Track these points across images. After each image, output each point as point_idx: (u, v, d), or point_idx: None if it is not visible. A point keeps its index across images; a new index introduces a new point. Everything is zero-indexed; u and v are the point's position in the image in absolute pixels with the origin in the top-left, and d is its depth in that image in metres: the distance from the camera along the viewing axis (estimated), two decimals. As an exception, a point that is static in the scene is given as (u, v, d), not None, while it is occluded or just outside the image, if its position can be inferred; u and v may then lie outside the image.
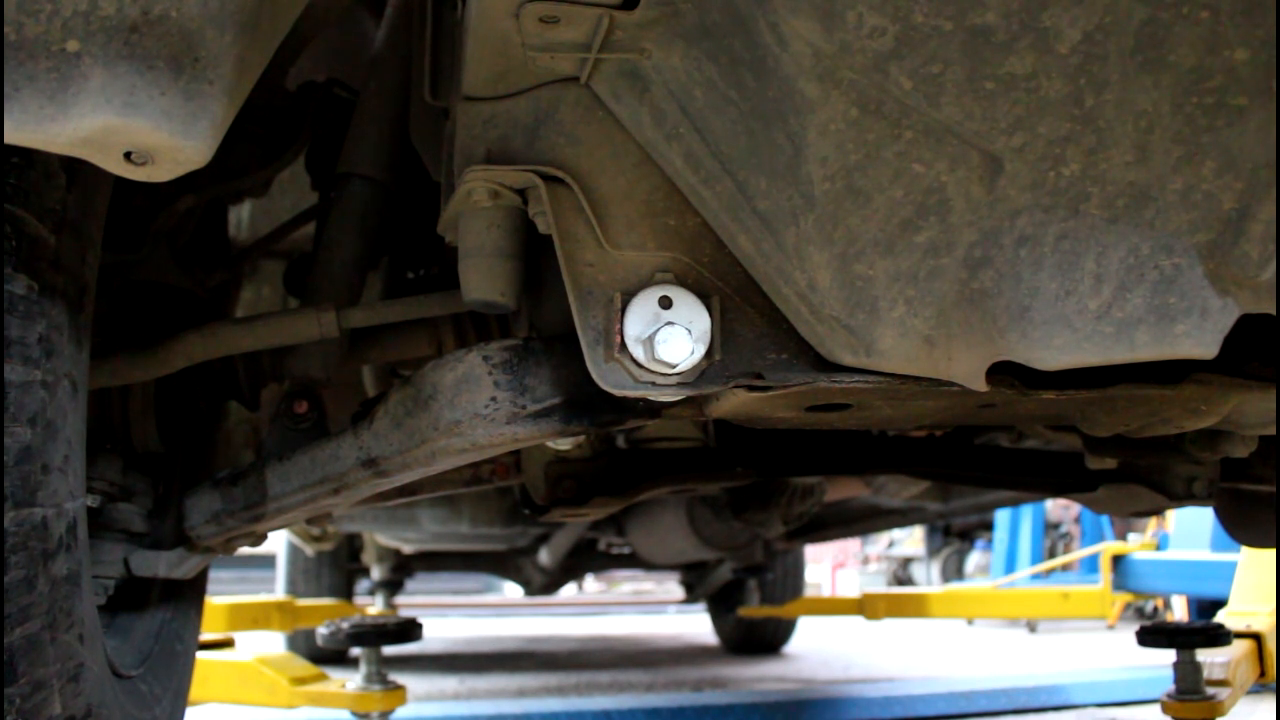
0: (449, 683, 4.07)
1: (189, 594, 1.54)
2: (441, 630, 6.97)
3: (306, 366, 1.37)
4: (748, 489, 2.69)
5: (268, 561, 4.95)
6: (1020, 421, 1.49)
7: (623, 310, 0.94)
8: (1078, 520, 8.73)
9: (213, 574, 1.75)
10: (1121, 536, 7.80)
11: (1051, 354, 0.90)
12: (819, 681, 4.04)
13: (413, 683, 3.73)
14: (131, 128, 0.77)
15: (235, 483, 1.27)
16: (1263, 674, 2.68)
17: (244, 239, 2.10)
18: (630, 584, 11.43)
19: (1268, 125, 0.83)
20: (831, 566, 14.02)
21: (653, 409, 1.10)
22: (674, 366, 0.93)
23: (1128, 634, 4.81)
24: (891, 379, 0.96)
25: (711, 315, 0.96)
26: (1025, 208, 0.87)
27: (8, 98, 0.74)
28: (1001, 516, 8.02)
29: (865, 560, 12.89)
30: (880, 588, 9.88)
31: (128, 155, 0.79)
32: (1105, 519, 8.16)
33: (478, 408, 1.06)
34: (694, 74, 0.89)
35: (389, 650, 2.52)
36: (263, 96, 1.42)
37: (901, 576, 10.89)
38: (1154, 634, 2.43)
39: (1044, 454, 2.04)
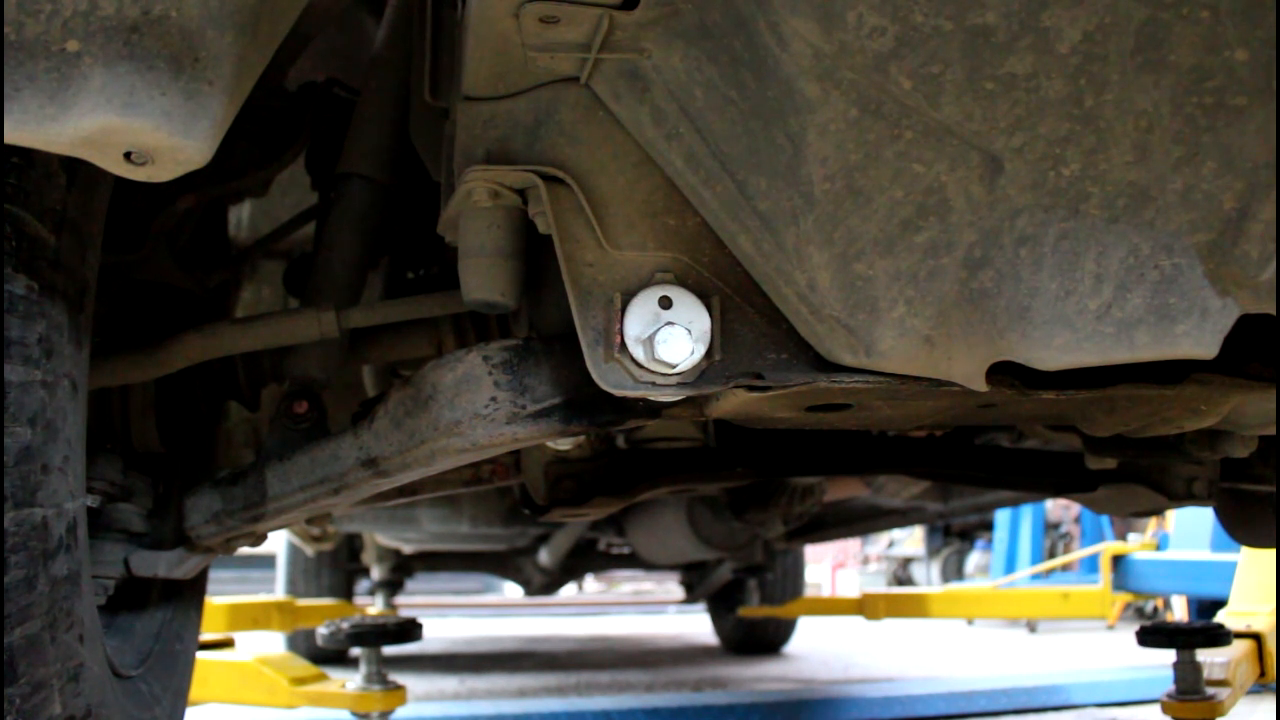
0: (449, 683, 4.07)
1: (189, 594, 1.54)
2: (441, 630, 6.97)
3: (306, 366, 1.37)
4: (748, 489, 2.69)
5: (268, 561, 4.95)
6: (1020, 421, 1.49)
7: (623, 310, 0.94)
8: (1078, 520, 8.72)
9: (213, 574, 1.75)
10: (1121, 536, 7.80)
11: (1051, 354, 0.90)
12: (819, 681, 4.04)
13: (413, 683, 3.73)
14: (131, 128, 0.77)
15: (235, 483, 1.27)
16: (1263, 674, 2.68)
17: (244, 239, 2.10)
18: (630, 584, 11.43)
19: (1268, 125, 0.83)
20: (831, 566, 14.02)
21: (653, 409, 1.10)
22: (674, 366, 0.93)
23: (1128, 634, 4.81)
24: (891, 379, 0.96)
25: (711, 315, 0.96)
26: (1025, 208, 0.87)
27: (8, 98, 0.74)
28: (1001, 516, 8.02)
29: (865, 560, 12.89)
30: (880, 588, 9.87)
31: (128, 155, 0.79)
32: (1105, 519, 8.16)
33: (478, 408, 1.06)
34: (694, 74, 0.89)
35: (389, 650, 2.52)
36: (263, 96, 1.42)
37: (901, 576, 10.89)
38: (1154, 634, 2.43)
39: (1044, 454, 2.04)
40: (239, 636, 3.04)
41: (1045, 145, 0.84)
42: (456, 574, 7.21)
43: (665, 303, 0.95)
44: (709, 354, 0.95)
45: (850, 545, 13.07)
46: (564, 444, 1.50)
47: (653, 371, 0.94)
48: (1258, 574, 3.07)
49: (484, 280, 1.05)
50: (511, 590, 9.21)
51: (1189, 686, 2.37)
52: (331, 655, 4.33)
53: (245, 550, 1.44)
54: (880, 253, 0.89)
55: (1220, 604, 3.23)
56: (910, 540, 10.93)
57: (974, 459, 2.01)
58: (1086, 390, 1.01)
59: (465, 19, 0.94)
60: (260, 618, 3.89)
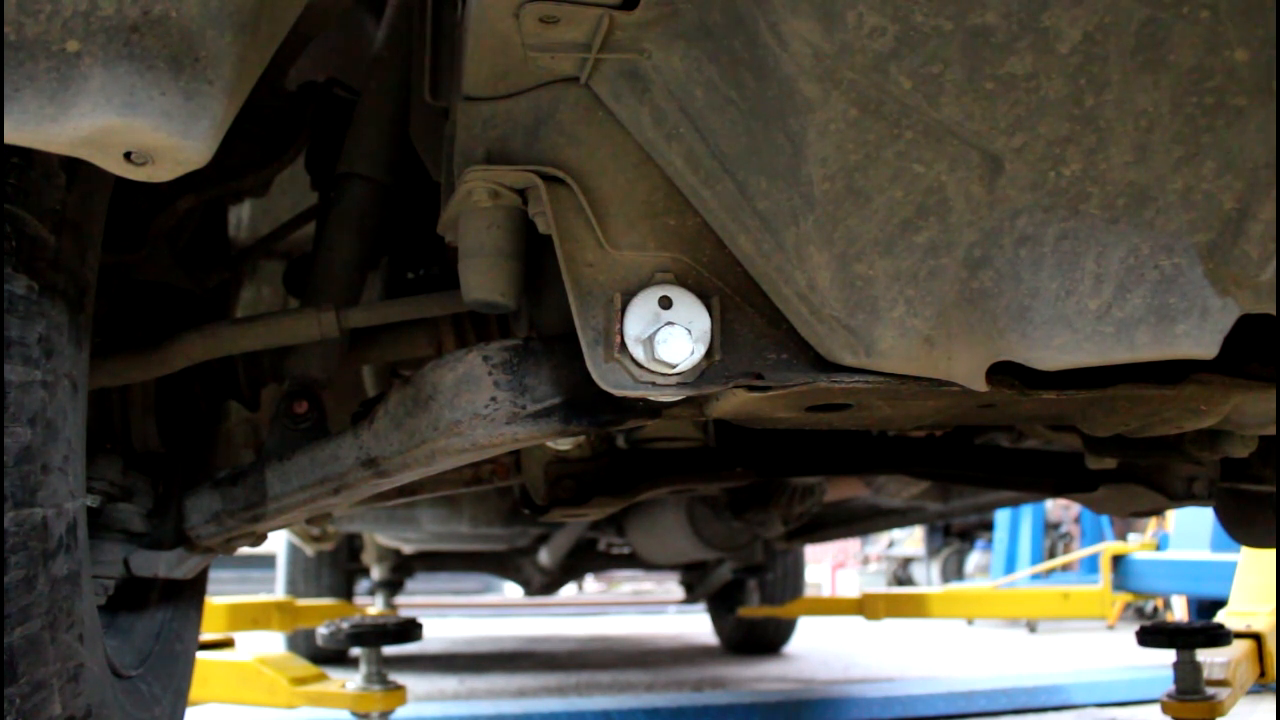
0: (449, 683, 4.07)
1: (189, 594, 1.54)
2: (441, 630, 6.97)
3: (306, 366, 1.37)
4: (748, 489, 2.69)
5: (268, 561, 4.95)
6: (1020, 421, 1.49)
7: (623, 310, 0.94)
8: (1078, 520, 8.73)
9: (213, 574, 1.75)
10: (1121, 536, 7.80)
11: (1051, 354, 0.90)
12: (819, 681, 4.04)
13: (413, 683, 3.73)
14: (131, 128, 0.77)
15: (235, 483, 1.27)
16: (1263, 674, 2.68)
17: (244, 239, 2.09)
18: (630, 584, 11.43)
19: (1268, 125, 0.83)
20: (831, 566, 14.02)
21: (653, 409, 1.10)
22: (674, 366, 0.93)
23: (1128, 634, 4.81)
24: (891, 379, 0.96)
25: (711, 315, 0.96)
26: (1025, 208, 0.87)
27: (8, 98, 0.74)
28: (1001, 516, 8.02)
29: (865, 560, 12.89)
30: (880, 588, 9.87)
31: (128, 155, 0.79)
32: (1105, 519, 8.16)
33: (478, 408, 1.06)
34: (694, 74, 0.89)
35: (389, 650, 2.53)
36: (263, 96, 1.42)
37: (901, 576, 10.89)
38: (1154, 634, 2.43)
39: (1044, 454, 2.04)
40: (239, 636, 3.04)
41: (1045, 145, 0.84)
42: (456, 574, 7.21)
43: (665, 303, 0.95)
44: (709, 354, 0.95)
45: (850, 545, 13.07)
46: (564, 444, 1.50)
47: (653, 371, 0.94)
48: (1258, 574, 3.07)
49: (484, 280, 1.05)
50: (511, 590, 9.21)
51: (1189, 686, 2.37)
52: (331, 655, 4.34)
53: (245, 550, 1.44)
54: (880, 253, 0.89)
55: (1220, 604, 3.23)
56: (910, 540, 10.93)
57: (974, 459, 2.01)
58: (1086, 390, 1.01)
59: (465, 19, 0.94)
60: (260, 618, 3.89)
